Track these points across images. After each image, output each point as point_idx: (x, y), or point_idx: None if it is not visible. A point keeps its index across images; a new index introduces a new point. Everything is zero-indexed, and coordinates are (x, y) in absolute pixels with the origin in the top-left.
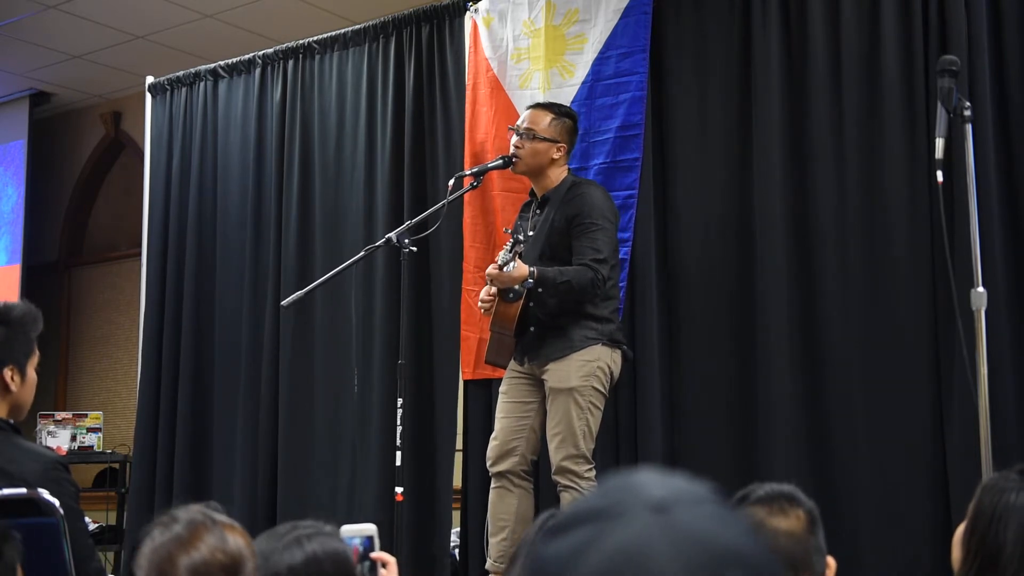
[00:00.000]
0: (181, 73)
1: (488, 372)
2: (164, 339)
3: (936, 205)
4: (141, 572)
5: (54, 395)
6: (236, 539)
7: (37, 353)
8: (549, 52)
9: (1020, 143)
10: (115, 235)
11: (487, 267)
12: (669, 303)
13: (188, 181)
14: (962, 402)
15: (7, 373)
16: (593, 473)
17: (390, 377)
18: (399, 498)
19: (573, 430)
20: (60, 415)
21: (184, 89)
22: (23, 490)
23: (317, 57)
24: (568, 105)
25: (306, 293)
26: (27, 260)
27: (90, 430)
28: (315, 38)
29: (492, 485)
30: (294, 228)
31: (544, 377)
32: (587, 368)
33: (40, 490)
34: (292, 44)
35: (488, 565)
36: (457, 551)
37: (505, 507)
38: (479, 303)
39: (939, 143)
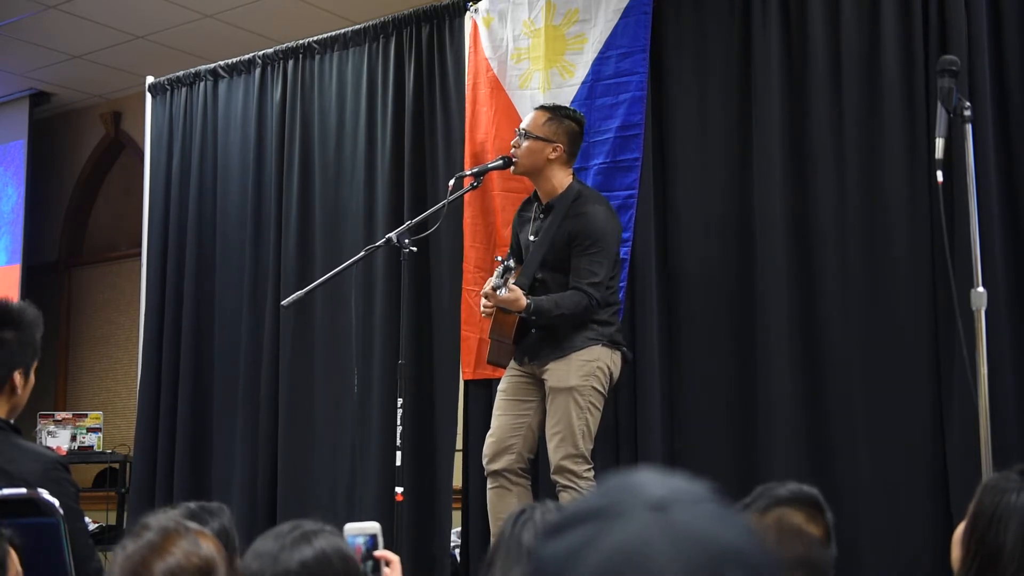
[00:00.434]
0: (181, 73)
1: (488, 372)
2: (164, 339)
3: (936, 205)
4: None
5: (54, 395)
6: (208, 545)
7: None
8: (549, 52)
9: (1020, 143)
10: (115, 235)
11: (485, 276)
12: (669, 303)
13: (188, 181)
14: (962, 402)
15: (17, 376)
16: (592, 473)
17: (390, 377)
18: (399, 498)
19: (572, 430)
20: (60, 415)
21: (184, 89)
22: (23, 490)
23: (317, 57)
24: (574, 109)
25: (306, 293)
26: (27, 260)
27: (90, 430)
28: (315, 38)
29: (489, 484)
30: (294, 228)
31: (544, 377)
32: (587, 368)
33: (40, 490)
34: (292, 44)
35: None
36: (457, 551)
37: (504, 506)
38: (481, 308)
39: (939, 143)
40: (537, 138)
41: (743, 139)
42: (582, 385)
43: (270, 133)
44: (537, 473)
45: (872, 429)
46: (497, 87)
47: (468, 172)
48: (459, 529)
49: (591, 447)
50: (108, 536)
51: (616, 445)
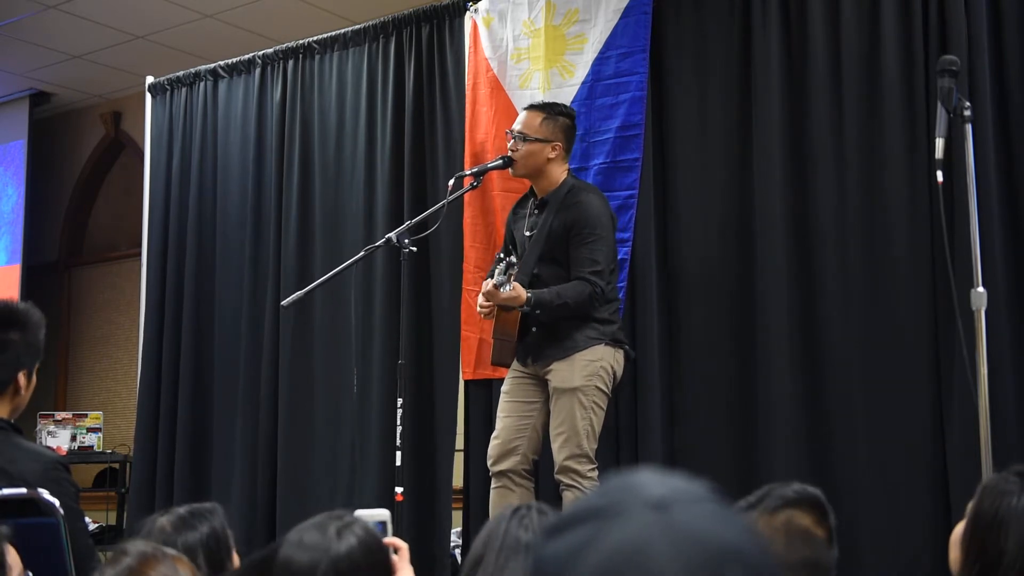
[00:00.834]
0: (181, 73)
1: (488, 372)
2: (164, 339)
3: (936, 205)
4: None
5: (54, 395)
6: (185, 571)
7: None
8: (549, 52)
9: (1020, 143)
10: (115, 235)
11: (485, 276)
12: (669, 303)
13: (188, 181)
14: (962, 402)
15: (21, 377)
16: (595, 473)
17: (390, 377)
18: (399, 498)
19: (576, 430)
20: (60, 415)
21: (184, 89)
22: (23, 490)
23: (317, 57)
24: (564, 104)
25: (306, 293)
26: (27, 260)
27: (90, 430)
28: (315, 38)
29: (493, 485)
30: (294, 228)
31: (548, 377)
32: (591, 368)
33: (40, 490)
34: (292, 44)
35: None
36: (457, 551)
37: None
38: (479, 308)
39: (939, 143)
40: (536, 140)
41: (743, 139)
42: (586, 385)
43: (270, 133)
44: (539, 473)
45: (872, 429)
46: (497, 87)
47: (468, 172)
48: (459, 529)
49: (595, 447)
50: (108, 536)
51: (616, 445)
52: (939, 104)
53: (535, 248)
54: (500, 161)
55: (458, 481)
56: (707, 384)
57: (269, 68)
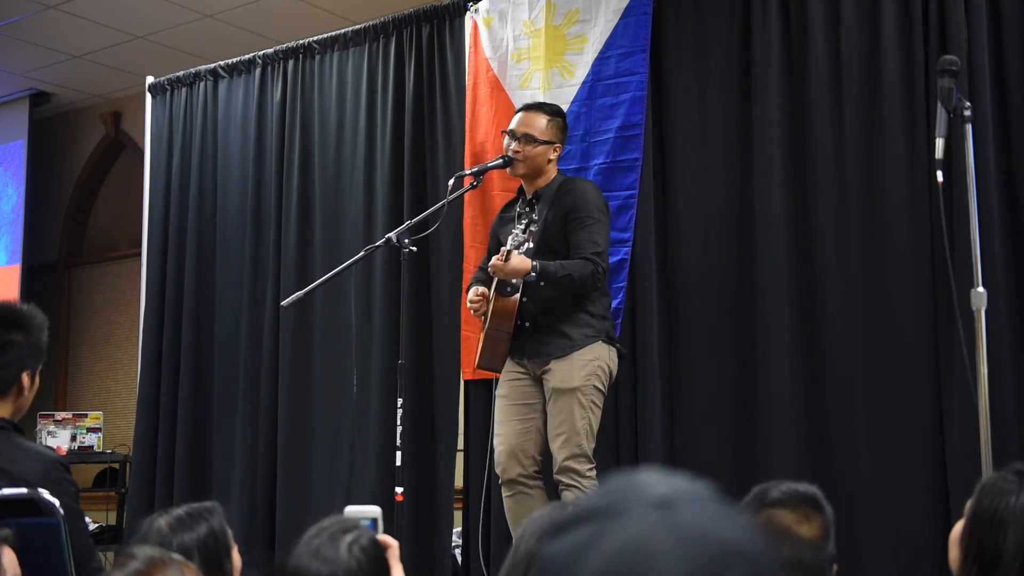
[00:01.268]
0: (181, 73)
1: (488, 372)
2: (164, 339)
3: (936, 205)
4: None
5: (54, 395)
6: None
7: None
8: (549, 52)
9: (1020, 143)
10: (115, 235)
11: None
12: (669, 303)
13: (188, 181)
14: (962, 402)
15: (24, 377)
16: (594, 472)
17: (390, 377)
18: (399, 498)
19: (576, 429)
20: (60, 415)
21: (184, 89)
22: (23, 490)
23: (317, 57)
24: (556, 104)
25: (306, 293)
26: (27, 260)
27: (90, 430)
28: (315, 38)
29: (505, 493)
30: (294, 228)
31: (545, 377)
32: (589, 367)
33: (40, 490)
34: (292, 44)
35: None
36: (457, 551)
37: (526, 511)
38: (469, 304)
39: (939, 143)
40: (544, 142)
41: (743, 139)
42: (584, 385)
43: (270, 133)
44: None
45: (872, 429)
46: (497, 87)
47: (468, 172)
48: (459, 529)
49: (593, 446)
50: (108, 536)
51: (616, 445)
52: (939, 104)
53: (533, 241)
54: (500, 161)
55: (458, 481)
56: (707, 384)
57: (269, 68)
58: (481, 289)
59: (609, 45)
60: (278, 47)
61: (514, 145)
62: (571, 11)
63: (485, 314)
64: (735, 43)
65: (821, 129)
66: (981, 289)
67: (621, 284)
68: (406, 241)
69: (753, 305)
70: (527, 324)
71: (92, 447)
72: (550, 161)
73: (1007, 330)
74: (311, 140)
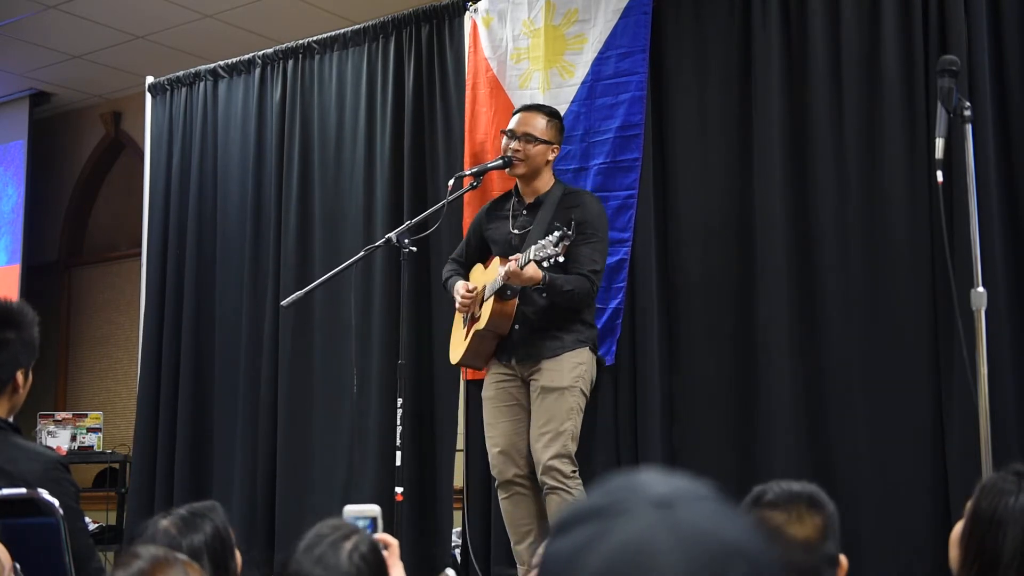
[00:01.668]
0: (181, 73)
1: (475, 372)
2: (164, 339)
3: (936, 205)
4: None
5: (54, 395)
6: (195, 575)
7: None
8: (549, 52)
9: (1020, 143)
10: (115, 235)
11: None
12: (669, 303)
13: (188, 181)
14: (962, 402)
15: (19, 376)
16: (577, 474)
17: (390, 377)
18: (399, 498)
19: (562, 430)
20: (60, 415)
21: (184, 89)
22: (23, 490)
23: (317, 57)
24: (553, 107)
25: (306, 293)
26: (27, 260)
27: (90, 430)
28: (315, 38)
29: (502, 495)
30: (294, 228)
31: (534, 376)
32: (578, 370)
33: (40, 490)
34: (292, 44)
35: (522, 573)
36: (457, 551)
37: (523, 512)
38: (461, 301)
39: (939, 143)
40: (544, 142)
41: (743, 139)
42: (573, 386)
43: (270, 133)
44: None
45: (872, 429)
46: (497, 87)
47: (468, 172)
48: (459, 529)
49: (575, 449)
50: (108, 536)
51: (616, 445)
52: (939, 104)
53: (528, 246)
54: (500, 161)
55: (458, 481)
56: (707, 384)
57: (269, 68)
58: (472, 286)
59: (609, 45)
60: (278, 47)
61: (514, 144)
62: (570, 11)
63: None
64: (735, 43)
65: (821, 129)
66: (981, 289)
67: (621, 284)
68: (406, 241)
69: (753, 305)
70: (517, 327)
71: (92, 447)
72: (548, 162)
73: (1007, 330)
74: (311, 140)
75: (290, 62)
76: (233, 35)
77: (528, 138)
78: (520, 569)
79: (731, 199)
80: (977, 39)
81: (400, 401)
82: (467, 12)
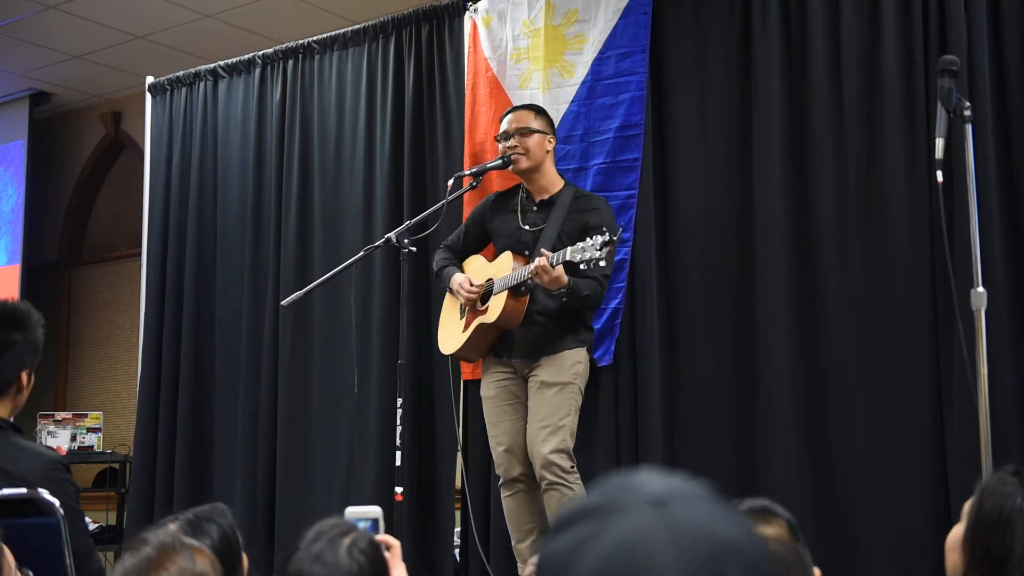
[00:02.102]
0: (181, 73)
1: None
2: (164, 339)
3: (936, 205)
4: None
5: (54, 395)
6: (204, 562)
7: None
8: (548, 52)
9: (1020, 143)
10: (115, 235)
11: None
12: (669, 303)
13: (188, 181)
14: (962, 402)
15: (23, 377)
16: (576, 470)
17: (389, 377)
18: (399, 498)
19: (561, 425)
20: (60, 415)
21: (184, 89)
22: (23, 490)
23: (317, 57)
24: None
25: (306, 293)
26: (27, 260)
27: (90, 430)
28: (315, 38)
29: (506, 493)
30: (294, 228)
31: (534, 372)
32: (576, 368)
33: (40, 490)
34: (292, 44)
35: (525, 572)
36: (457, 551)
37: (527, 510)
38: (467, 295)
39: (939, 143)
40: (539, 131)
41: (743, 139)
42: (571, 383)
43: (270, 133)
44: None
45: (872, 429)
46: (496, 87)
47: (467, 172)
48: (459, 529)
49: (573, 445)
50: (108, 536)
51: (616, 445)
52: (939, 104)
53: (541, 245)
54: (500, 161)
55: (456, 481)
56: (707, 384)
57: (269, 68)
58: (476, 282)
59: (608, 45)
60: (278, 47)
61: (510, 142)
62: (570, 11)
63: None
64: (735, 43)
65: (821, 129)
66: (981, 289)
67: (621, 284)
68: (406, 241)
69: (753, 305)
70: (519, 325)
71: (92, 447)
72: (547, 153)
73: (1007, 330)
74: (311, 140)
75: (290, 62)
76: (233, 35)
77: (522, 131)
78: (521, 567)
79: (731, 199)
80: (977, 39)
81: (400, 401)
82: (467, 12)
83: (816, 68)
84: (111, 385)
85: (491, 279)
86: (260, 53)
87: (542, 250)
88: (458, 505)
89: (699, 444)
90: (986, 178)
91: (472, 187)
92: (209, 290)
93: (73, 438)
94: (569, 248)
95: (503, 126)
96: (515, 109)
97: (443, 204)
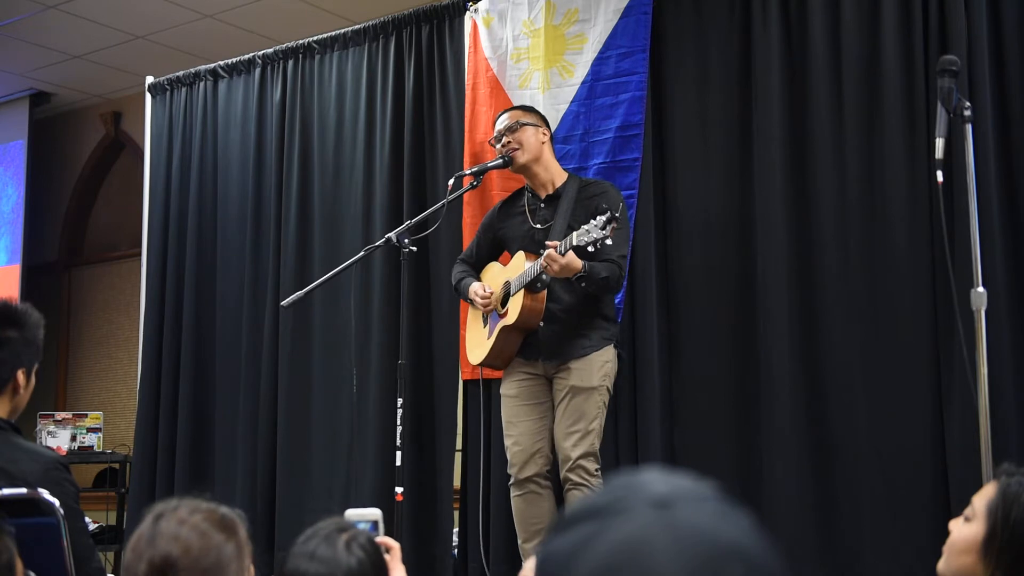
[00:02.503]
0: (181, 73)
1: (487, 372)
2: (164, 339)
3: (936, 205)
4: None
5: (54, 395)
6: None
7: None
8: (549, 52)
9: (1020, 143)
10: (115, 235)
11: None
12: (669, 303)
13: (188, 181)
14: (962, 402)
15: (20, 375)
16: (600, 473)
17: (389, 377)
18: (399, 498)
19: (591, 428)
20: (60, 415)
21: (184, 89)
22: (23, 490)
23: (317, 57)
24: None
25: (306, 293)
26: (27, 260)
27: (90, 430)
28: (315, 38)
29: (515, 492)
30: (294, 228)
31: (560, 376)
32: (605, 369)
33: (40, 490)
34: (292, 44)
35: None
36: (456, 551)
37: (536, 511)
38: (482, 301)
39: (939, 143)
40: (530, 123)
41: (743, 139)
42: (601, 385)
43: (270, 133)
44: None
45: (872, 429)
46: (497, 87)
47: (467, 172)
48: (459, 529)
49: (599, 445)
50: (108, 536)
51: (616, 445)
52: (939, 104)
53: (553, 240)
54: (500, 161)
55: (456, 481)
56: (707, 384)
57: (269, 68)
58: (488, 289)
59: (609, 45)
60: (278, 47)
61: (504, 140)
62: (570, 11)
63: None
64: (735, 43)
65: (821, 129)
66: (981, 289)
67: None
68: (406, 241)
69: (753, 305)
70: (543, 324)
71: (92, 447)
72: (543, 144)
73: (1007, 330)
74: (311, 140)
75: (290, 62)
76: (233, 35)
77: (513, 127)
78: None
79: (731, 199)
80: (977, 39)
81: (400, 401)
82: (467, 12)
83: (816, 68)
84: (111, 385)
85: (508, 281)
86: (260, 53)
87: (546, 242)
88: (457, 505)
89: (699, 444)
90: (986, 178)
91: (472, 187)
92: (209, 290)
93: (73, 438)
94: (575, 233)
95: (495, 130)
96: (502, 112)
97: (443, 204)
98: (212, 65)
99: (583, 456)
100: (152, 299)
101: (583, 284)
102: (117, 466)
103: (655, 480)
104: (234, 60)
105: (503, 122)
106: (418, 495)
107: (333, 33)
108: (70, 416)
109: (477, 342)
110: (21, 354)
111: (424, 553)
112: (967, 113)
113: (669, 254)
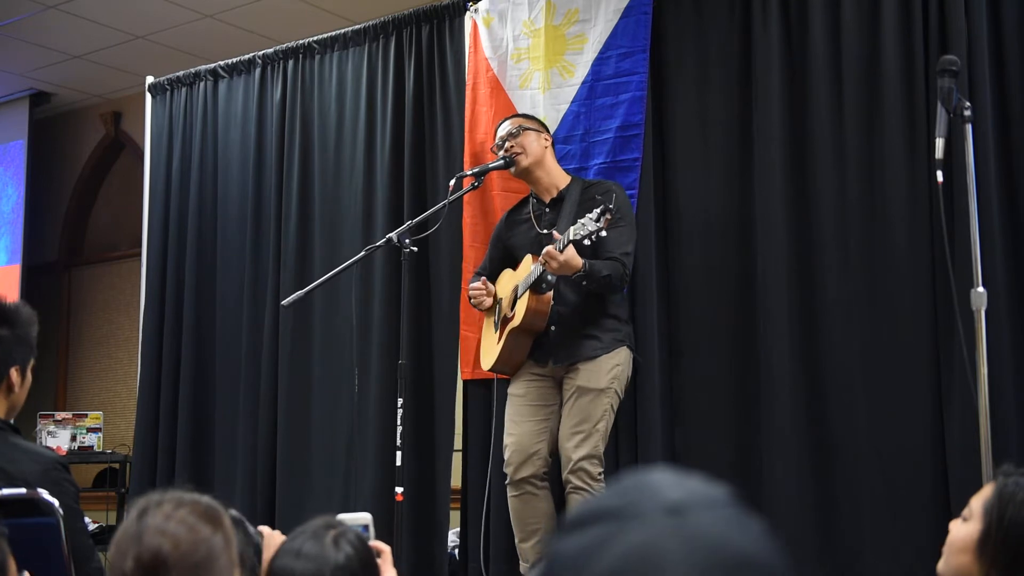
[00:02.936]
0: (181, 73)
1: (487, 372)
2: (164, 339)
3: (936, 205)
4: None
5: (54, 395)
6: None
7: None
8: (549, 52)
9: (1020, 143)
10: (115, 235)
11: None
12: (669, 303)
13: (188, 181)
14: (962, 402)
15: (13, 373)
16: (603, 477)
17: (390, 377)
18: (399, 498)
19: (595, 431)
20: (60, 415)
21: (184, 89)
22: (23, 490)
23: (317, 57)
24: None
25: (306, 293)
26: (27, 260)
27: (90, 430)
28: (315, 38)
29: (512, 493)
30: (294, 228)
31: (569, 376)
32: (615, 371)
33: (40, 490)
34: (292, 44)
35: (524, 569)
36: (456, 551)
37: (532, 511)
38: (471, 291)
39: (939, 143)
40: (531, 128)
41: (743, 139)
42: (609, 388)
43: (270, 133)
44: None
45: (872, 429)
46: (497, 87)
47: (468, 172)
48: (458, 529)
49: (603, 448)
50: (108, 536)
51: (616, 445)
52: (939, 104)
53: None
54: (501, 161)
55: (457, 481)
56: (707, 384)
57: (269, 68)
58: (483, 278)
59: (609, 45)
60: (278, 47)
61: (506, 146)
62: (571, 11)
63: (495, 313)
64: (735, 43)
65: (821, 129)
66: (981, 289)
67: None
68: (406, 241)
69: (753, 305)
70: (553, 328)
71: (92, 447)
72: (546, 149)
73: (1007, 330)
74: (311, 140)
75: (290, 62)
76: (233, 35)
77: (515, 132)
78: (523, 565)
79: (731, 199)
80: (977, 39)
81: (400, 401)
82: (467, 12)
83: (816, 68)
84: (111, 385)
85: (516, 285)
86: (260, 53)
87: (547, 241)
88: (457, 505)
89: (699, 444)
90: (986, 178)
91: (473, 187)
92: (209, 290)
93: (73, 438)
94: (571, 228)
95: (496, 137)
96: (503, 120)
97: (444, 204)
98: (212, 65)
99: (585, 458)
100: (152, 299)
101: (585, 282)
102: (117, 466)
103: (668, 484)
104: (234, 60)
105: (505, 128)
106: (418, 495)
107: (333, 33)
108: (70, 416)
109: (488, 347)
110: (13, 352)
111: (423, 553)
112: (967, 113)
113: (669, 254)
